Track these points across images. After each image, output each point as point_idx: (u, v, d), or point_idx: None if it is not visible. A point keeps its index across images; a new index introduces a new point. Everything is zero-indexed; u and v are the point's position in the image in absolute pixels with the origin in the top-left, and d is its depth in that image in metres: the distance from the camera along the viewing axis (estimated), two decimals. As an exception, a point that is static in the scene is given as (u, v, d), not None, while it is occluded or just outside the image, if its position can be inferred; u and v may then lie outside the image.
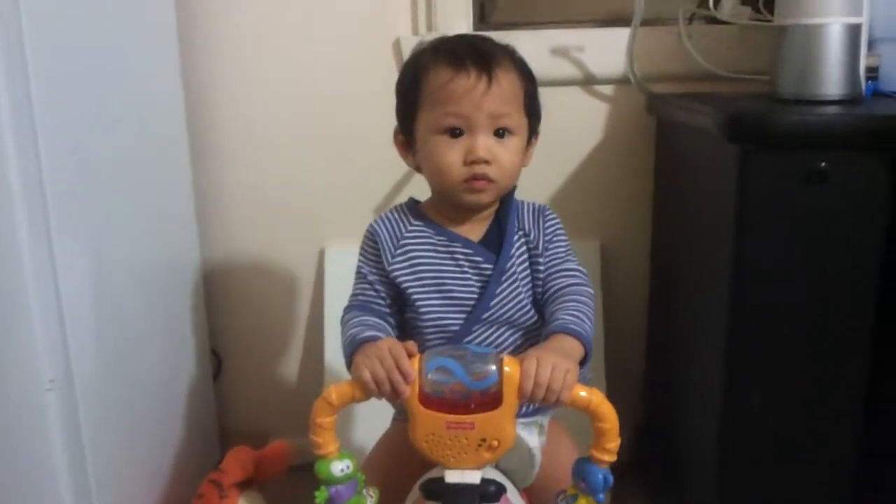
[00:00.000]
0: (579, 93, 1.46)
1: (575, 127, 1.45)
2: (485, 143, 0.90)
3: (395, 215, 0.99)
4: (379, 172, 1.48)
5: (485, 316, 0.93)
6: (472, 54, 0.90)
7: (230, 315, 1.58)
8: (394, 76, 1.44)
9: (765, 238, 1.01)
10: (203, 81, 1.47)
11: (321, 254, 1.55)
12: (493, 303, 0.93)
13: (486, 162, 0.90)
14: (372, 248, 0.97)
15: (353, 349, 0.86)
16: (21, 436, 0.96)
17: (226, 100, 1.49)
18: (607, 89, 1.46)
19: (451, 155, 0.90)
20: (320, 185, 1.52)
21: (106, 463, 1.06)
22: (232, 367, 1.61)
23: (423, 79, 0.92)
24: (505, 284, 0.94)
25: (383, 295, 0.95)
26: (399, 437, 0.98)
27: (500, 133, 0.91)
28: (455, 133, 0.90)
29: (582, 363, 0.84)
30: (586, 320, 0.88)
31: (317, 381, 1.52)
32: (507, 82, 0.90)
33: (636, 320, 1.52)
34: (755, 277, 1.02)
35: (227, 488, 1.27)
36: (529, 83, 0.95)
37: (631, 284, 1.52)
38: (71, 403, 0.99)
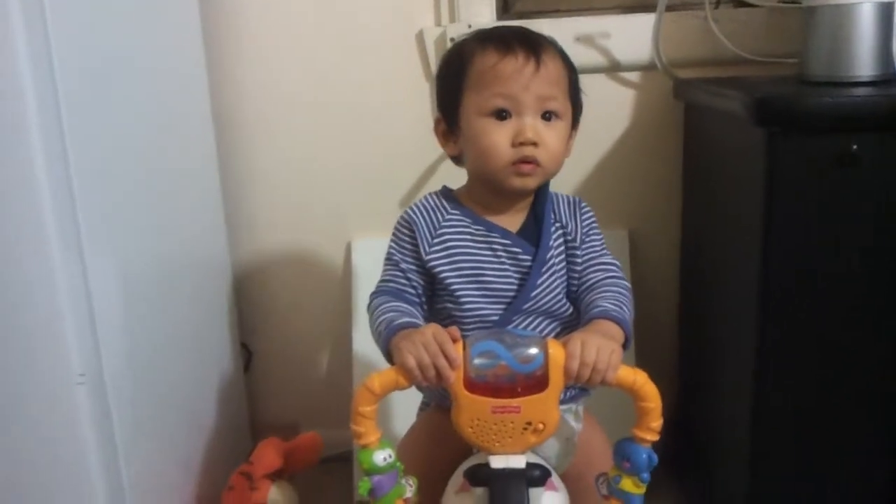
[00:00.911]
0: (605, 80, 1.45)
1: (601, 114, 1.43)
2: (533, 125, 0.90)
3: (432, 203, 0.98)
4: (404, 164, 1.49)
5: (524, 307, 0.93)
6: (519, 38, 0.91)
7: (260, 309, 1.59)
8: (417, 68, 1.44)
9: (794, 222, 1.00)
10: (228, 78, 1.47)
11: (348, 246, 1.55)
12: (533, 294, 0.93)
13: (535, 144, 0.89)
14: (408, 235, 0.96)
15: (390, 335, 0.86)
16: (53, 430, 0.97)
17: (251, 95, 1.49)
18: (633, 76, 1.45)
19: (499, 136, 0.90)
20: (346, 177, 1.52)
21: (138, 457, 1.07)
22: (262, 361, 1.61)
23: (468, 63, 0.92)
24: (545, 276, 0.94)
25: (415, 284, 0.94)
26: (432, 425, 0.99)
27: (547, 116, 0.91)
28: (502, 115, 0.90)
29: (623, 348, 0.84)
30: (626, 309, 0.89)
31: (346, 374, 1.52)
32: (553, 66, 0.91)
33: (666, 309, 1.51)
34: (785, 263, 1.01)
35: (258, 480, 1.28)
36: (572, 72, 0.96)
37: (660, 272, 1.51)
38: (102, 397, 1.00)
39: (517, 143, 0.90)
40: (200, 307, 1.39)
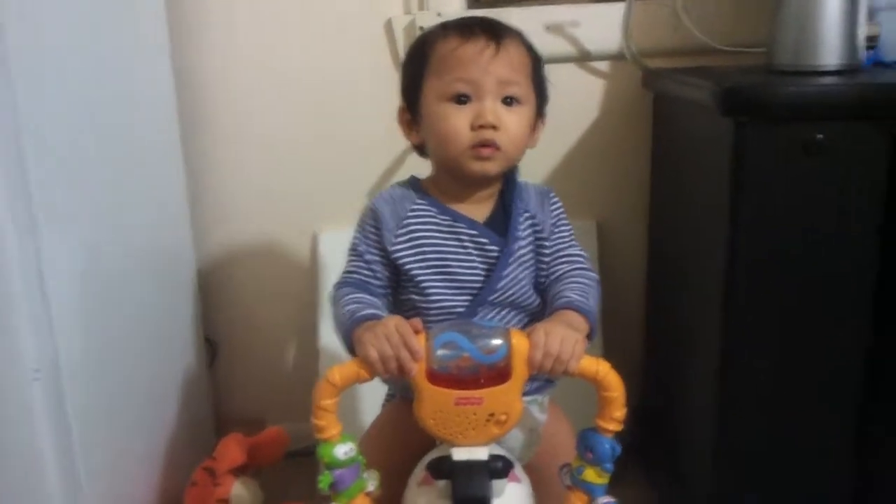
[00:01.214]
0: (574, 70, 1.44)
1: (570, 104, 1.43)
2: (493, 108, 0.88)
3: (398, 193, 0.96)
4: (372, 155, 1.47)
5: (490, 298, 0.92)
6: (482, 25, 0.90)
7: (225, 302, 1.57)
8: (386, 57, 1.42)
9: (761, 211, 1.00)
10: (193, 64, 1.44)
11: (314, 238, 1.53)
12: (500, 285, 0.92)
13: (494, 127, 0.88)
14: (372, 226, 0.94)
15: (352, 326, 0.85)
16: (7, 428, 0.94)
17: (216, 84, 1.46)
18: (603, 65, 1.44)
19: (458, 120, 0.89)
20: (312, 168, 1.50)
21: (96, 453, 1.04)
22: (227, 354, 1.59)
23: (430, 49, 0.91)
24: (512, 267, 0.92)
25: (379, 276, 0.93)
26: (395, 417, 0.98)
27: (507, 101, 0.90)
28: (462, 100, 0.89)
29: (587, 340, 0.83)
30: (592, 300, 0.88)
31: (312, 367, 1.50)
32: (515, 52, 0.90)
33: (634, 300, 1.51)
34: (751, 252, 1.01)
35: (221, 475, 1.26)
36: (537, 61, 0.95)
37: (628, 263, 1.51)
38: (58, 393, 0.97)
39: (476, 127, 0.88)
40: (163, 299, 1.35)
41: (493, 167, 0.91)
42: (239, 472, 1.28)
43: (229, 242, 1.55)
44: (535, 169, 1.44)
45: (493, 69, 0.88)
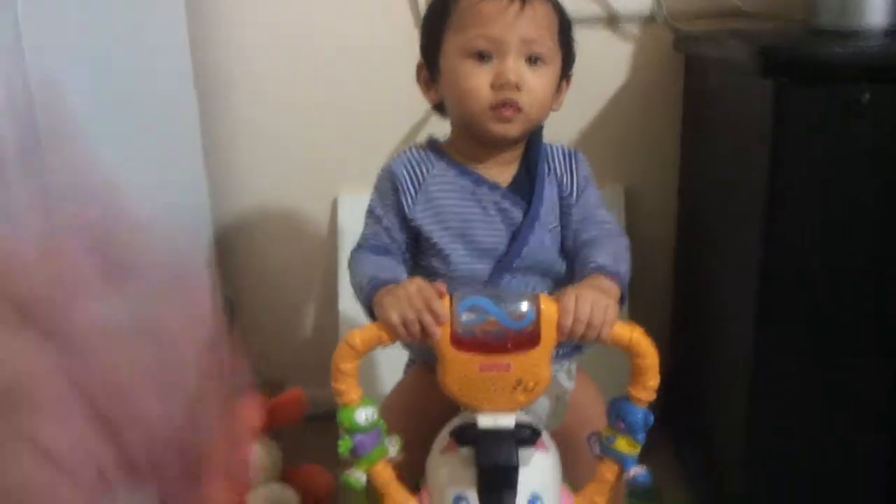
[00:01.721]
0: (604, 32, 1.40)
1: (599, 67, 1.39)
2: (515, 67, 0.85)
3: (416, 156, 0.93)
4: (392, 117, 1.43)
5: (515, 264, 0.89)
6: None
7: (243, 265, 1.55)
8: (407, 15, 1.38)
9: (801, 176, 0.95)
10: (210, 27, 1.41)
11: (334, 202, 1.51)
12: (524, 251, 0.89)
13: (516, 87, 0.84)
14: (390, 190, 0.91)
15: (373, 289, 0.82)
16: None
17: (233, 45, 1.43)
18: (633, 27, 1.40)
19: (479, 78, 0.85)
20: (332, 131, 1.47)
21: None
22: (246, 317, 1.58)
23: (452, 3, 0.87)
24: (537, 232, 0.89)
25: (398, 241, 0.90)
26: (418, 382, 0.96)
27: (532, 60, 0.86)
28: (483, 57, 0.85)
29: (619, 305, 0.80)
30: (623, 264, 0.85)
31: (332, 330, 1.49)
32: (541, 8, 0.86)
33: (662, 267, 1.48)
34: (791, 218, 0.97)
35: (241, 437, 1.25)
36: (564, 19, 0.90)
37: (657, 230, 1.47)
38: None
39: (497, 86, 0.85)
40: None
41: (514, 129, 0.87)
42: (258, 434, 1.28)
43: (247, 205, 1.52)
44: (562, 132, 1.40)
45: (518, 26, 0.84)
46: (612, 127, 1.44)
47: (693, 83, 1.35)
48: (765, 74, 0.95)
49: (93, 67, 1.03)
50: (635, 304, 1.42)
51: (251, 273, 1.56)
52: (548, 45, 0.86)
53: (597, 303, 0.74)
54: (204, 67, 1.41)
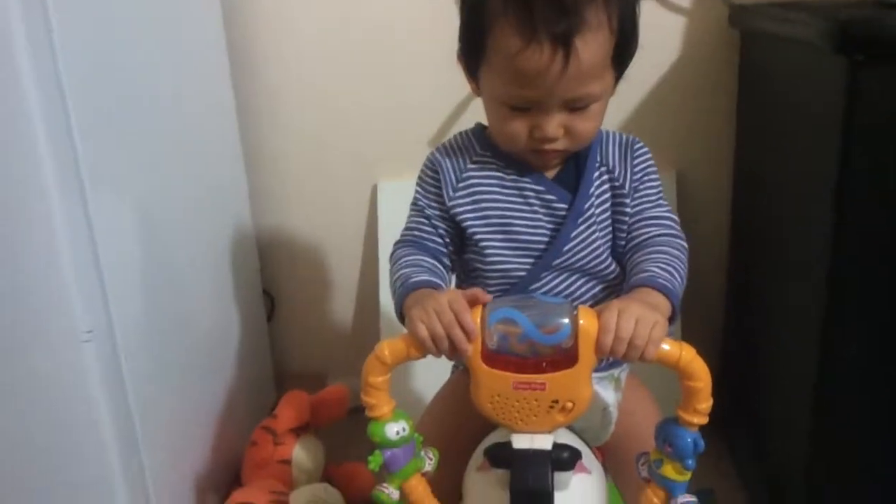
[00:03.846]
0: (654, 7, 1.32)
1: (648, 45, 1.26)
2: (557, 122, 0.77)
3: (461, 142, 0.88)
4: (432, 102, 1.40)
5: (556, 262, 0.83)
6: (547, 14, 0.72)
7: (283, 255, 1.54)
8: (441, 2, 1.32)
9: (877, 163, 0.87)
10: (245, 14, 1.38)
11: (374, 189, 1.47)
12: (566, 248, 0.83)
13: (557, 139, 0.79)
14: (432, 179, 0.87)
15: (405, 293, 0.78)
16: (61, 390, 0.92)
17: (269, 31, 1.41)
18: (685, 1, 1.31)
19: (517, 126, 0.79)
20: (371, 117, 1.44)
21: (153, 415, 1.03)
22: (286, 309, 1.57)
23: (489, 29, 0.76)
24: (581, 228, 0.83)
25: (441, 232, 0.86)
26: (460, 390, 0.90)
27: (577, 108, 0.78)
28: (521, 108, 0.78)
29: (669, 322, 0.72)
30: (677, 276, 0.77)
31: (373, 321, 1.47)
32: (589, 52, 0.73)
33: (715, 259, 1.41)
34: (864, 212, 0.89)
35: (282, 435, 1.24)
36: (623, 26, 0.77)
37: (710, 219, 1.40)
38: (112, 354, 0.94)
39: (537, 138, 0.79)
40: (221, 255, 1.33)
41: (556, 162, 0.84)
42: (300, 431, 1.26)
43: (286, 194, 1.50)
44: (609, 114, 1.30)
45: (560, 88, 0.74)
46: (663, 108, 1.36)
47: (750, 61, 1.26)
48: (838, 52, 0.87)
49: (134, 73, 1.02)
50: (686, 300, 1.34)
51: (290, 263, 1.54)
52: (597, 88, 0.77)
53: (642, 320, 0.67)
54: (241, 58, 1.39)
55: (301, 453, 1.24)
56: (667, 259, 0.78)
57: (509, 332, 0.68)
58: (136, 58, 1.04)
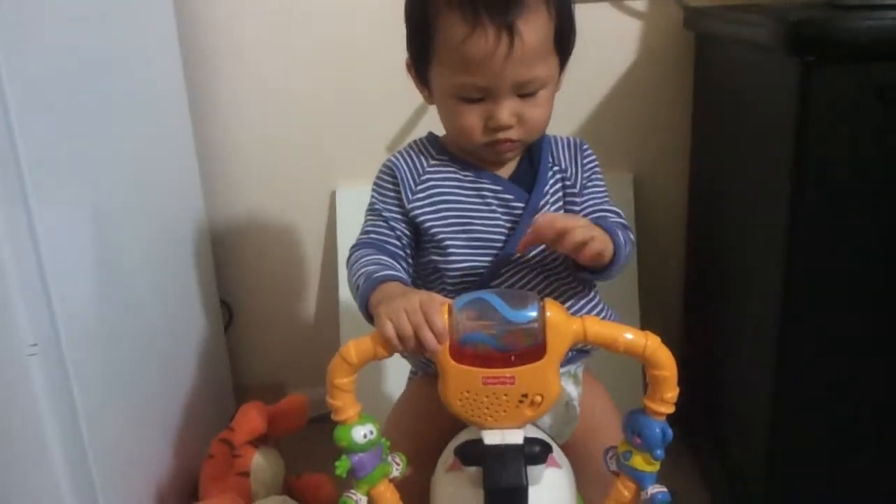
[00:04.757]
0: (609, 10, 1.34)
1: (605, 47, 1.33)
2: (509, 109, 0.80)
3: (416, 148, 0.90)
4: (390, 107, 1.39)
5: (514, 258, 0.85)
6: (490, 2, 0.76)
7: (240, 263, 1.51)
8: (400, 5, 1.32)
9: (829, 163, 0.89)
10: (201, 19, 1.36)
11: (333, 194, 1.46)
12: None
13: (511, 125, 0.81)
14: (390, 183, 0.88)
15: (370, 288, 0.78)
16: (6, 405, 0.88)
17: (224, 36, 1.38)
18: (640, 5, 1.34)
19: (471, 119, 0.82)
20: (328, 122, 1.42)
21: (105, 429, 0.99)
22: (244, 319, 1.54)
23: (434, 25, 0.80)
24: None
25: (399, 234, 0.86)
26: (422, 395, 0.91)
27: (527, 94, 0.81)
28: (474, 99, 0.80)
29: (606, 267, 0.80)
30: (621, 235, 0.80)
31: (333, 329, 1.45)
32: (532, 34, 0.77)
33: (672, 259, 1.43)
34: (817, 210, 0.91)
35: (240, 447, 1.21)
36: (561, 12, 0.81)
37: (667, 219, 1.42)
38: (59, 368, 0.91)
39: (491, 128, 0.81)
40: (175, 264, 1.29)
41: (512, 155, 0.87)
42: (259, 442, 1.23)
43: (243, 201, 1.48)
44: (566, 118, 1.35)
45: (508, 71, 0.77)
46: (619, 111, 1.38)
47: (705, 63, 1.29)
48: (790, 53, 0.89)
49: (81, 66, 0.98)
50: (644, 297, 1.37)
51: (248, 273, 1.51)
52: (543, 72, 0.80)
53: (583, 224, 0.75)
54: (195, 62, 1.36)
55: (260, 465, 1.21)
56: (617, 224, 0.84)
57: (478, 314, 0.67)
58: (82, 53, 1.00)
